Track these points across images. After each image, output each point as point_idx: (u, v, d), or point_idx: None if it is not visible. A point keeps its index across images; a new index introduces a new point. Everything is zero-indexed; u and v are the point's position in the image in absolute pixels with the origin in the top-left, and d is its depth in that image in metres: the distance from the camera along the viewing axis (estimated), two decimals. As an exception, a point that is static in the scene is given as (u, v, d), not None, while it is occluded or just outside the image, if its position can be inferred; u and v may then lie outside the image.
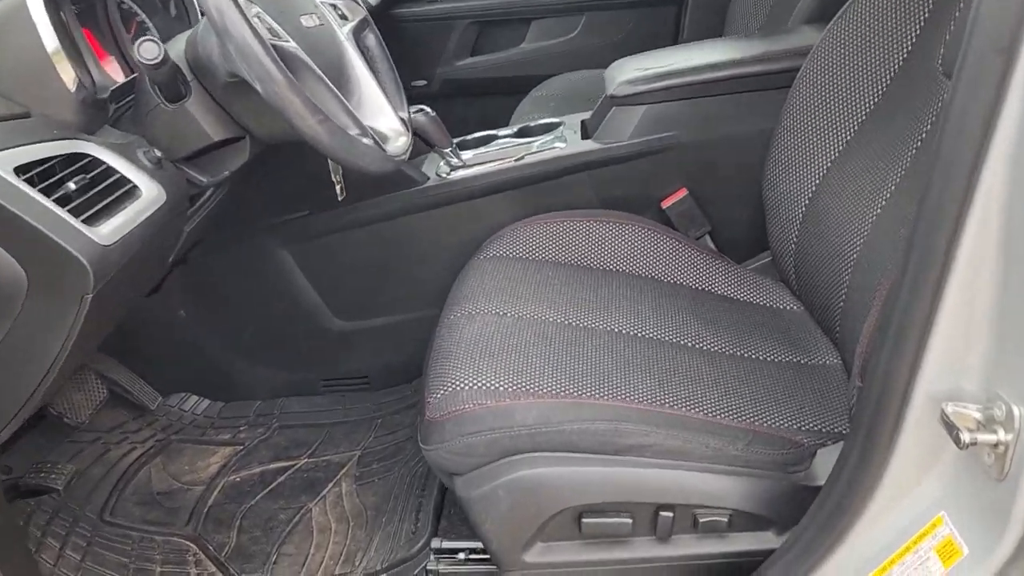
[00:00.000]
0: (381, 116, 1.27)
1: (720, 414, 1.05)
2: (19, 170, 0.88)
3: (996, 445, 0.69)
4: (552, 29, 2.51)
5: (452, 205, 1.58)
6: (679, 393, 1.07)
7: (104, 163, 1.00)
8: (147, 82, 1.10)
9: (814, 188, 1.26)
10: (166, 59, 1.04)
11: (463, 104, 2.50)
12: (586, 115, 1.64)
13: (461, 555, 1.28)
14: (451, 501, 1.42)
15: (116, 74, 1.17)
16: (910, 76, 1.12)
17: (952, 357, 0.73)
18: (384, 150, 1.15)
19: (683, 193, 1.55)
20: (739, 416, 1.05)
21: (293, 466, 1.62)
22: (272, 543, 1.44)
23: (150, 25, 1.29)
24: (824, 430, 1.07)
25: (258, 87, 0.99)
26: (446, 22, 2.48)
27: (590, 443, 1.02)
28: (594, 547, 1.09)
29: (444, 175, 1.57)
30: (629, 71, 1.52)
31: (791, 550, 0.93)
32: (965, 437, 0.69)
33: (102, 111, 1.09)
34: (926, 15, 1.10)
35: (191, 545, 1.45)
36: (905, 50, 1.14)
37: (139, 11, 1.28)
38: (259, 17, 1.07)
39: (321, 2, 1.30)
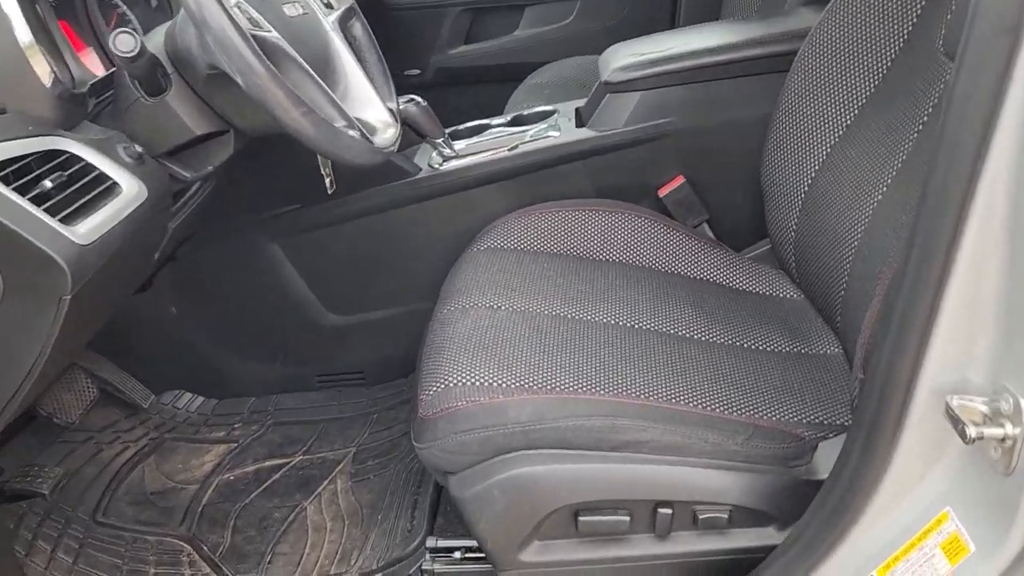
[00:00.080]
0: (369, 107, 1.24)
1: (719, 408, 1.03)
2: (-7, 169, 0.86)
3: (1003, 439, 0.67)
4: (546, 15, 2.47)
5: (445, 196, 1.55)
6: (677, 386, 1.05)
7: (82, 160, 0.97)
8: (126, 76, 1.08)
9: (814, 174, 1.23)
10: (143, 51, 1.01)
11: (457, 93, 2.46)
12: (581, 103, 1.61)
13: (457, 554, 1.26)
14: (447, 498, 1.40)
15: (96, 68, 1.14)
16: (911, 58, 1.09)
17: (957, 348, 0.71)
18: (371, 142, 1.12)
19: (680, 181, 1.52)
20: (738, 409, 1.03)
21: (288, 463, 1.61)
22: (267, 542, 1.43)
23: (131, 16, 1.25)
24: (826, 422, 1.05)
25: (239, 80, 0.97)
26: (439, 10, 2.44)
27: (586, 439, 1.00)
28: (592, 545, 1.07)
29: (436, 166, 1.54)
30: (624, 57, 1.49)
31: (792, 547, 0.91)
32: (971, 431, 0.67)
33: (80, 106, 1.06)
34: (927, -6, 1.07)
35: (185, 545, 1.43)
36: (906, 31, 1.11)
37: (119, 2, 1.24)
38: (239, 6, 1.04)
39: (305, -10, 1.27)
